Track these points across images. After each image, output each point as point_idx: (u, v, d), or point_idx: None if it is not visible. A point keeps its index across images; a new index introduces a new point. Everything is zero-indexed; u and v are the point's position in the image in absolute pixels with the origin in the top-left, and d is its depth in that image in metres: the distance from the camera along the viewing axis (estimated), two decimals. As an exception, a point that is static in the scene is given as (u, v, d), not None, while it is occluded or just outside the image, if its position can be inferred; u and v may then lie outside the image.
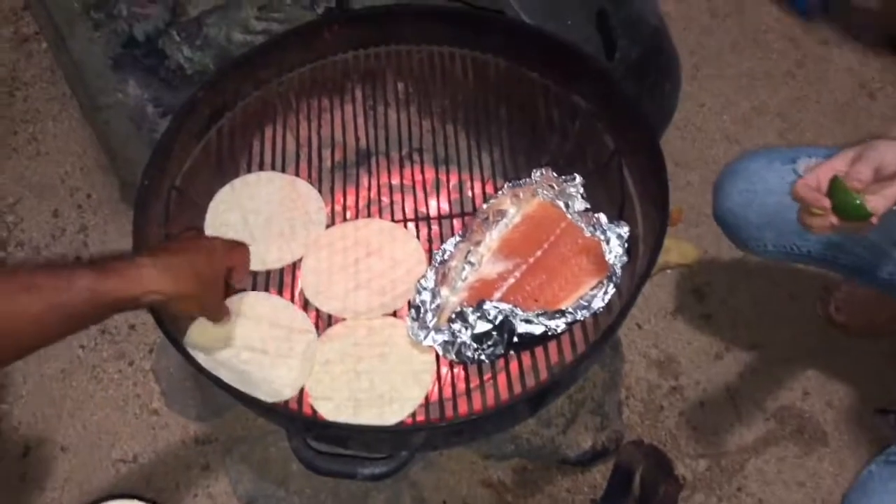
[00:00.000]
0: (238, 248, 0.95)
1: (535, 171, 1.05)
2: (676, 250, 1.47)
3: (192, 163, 1.11)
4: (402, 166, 1.22)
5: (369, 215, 1.14)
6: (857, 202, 0.80)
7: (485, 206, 1.03)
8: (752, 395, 1.34)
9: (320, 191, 1.14)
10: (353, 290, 1.01)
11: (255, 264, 1.01)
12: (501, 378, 0.97)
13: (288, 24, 1.28)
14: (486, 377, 0.97)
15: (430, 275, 0.96)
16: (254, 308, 0.98)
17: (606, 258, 0.96)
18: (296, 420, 0.92)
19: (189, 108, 1.10)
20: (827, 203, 0.82)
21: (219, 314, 0.90)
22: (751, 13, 1.88)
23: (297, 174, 1.16)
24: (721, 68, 1.77)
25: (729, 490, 1.25)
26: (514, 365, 0.96)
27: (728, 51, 1.81)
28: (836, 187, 0.81)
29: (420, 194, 1.16)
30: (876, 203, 0.81)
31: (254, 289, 1.02)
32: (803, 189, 0.84)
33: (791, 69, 1.77)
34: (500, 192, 1.04)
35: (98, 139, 1.51)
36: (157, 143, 1.06)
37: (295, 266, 1.05)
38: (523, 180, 1.05)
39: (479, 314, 0.89)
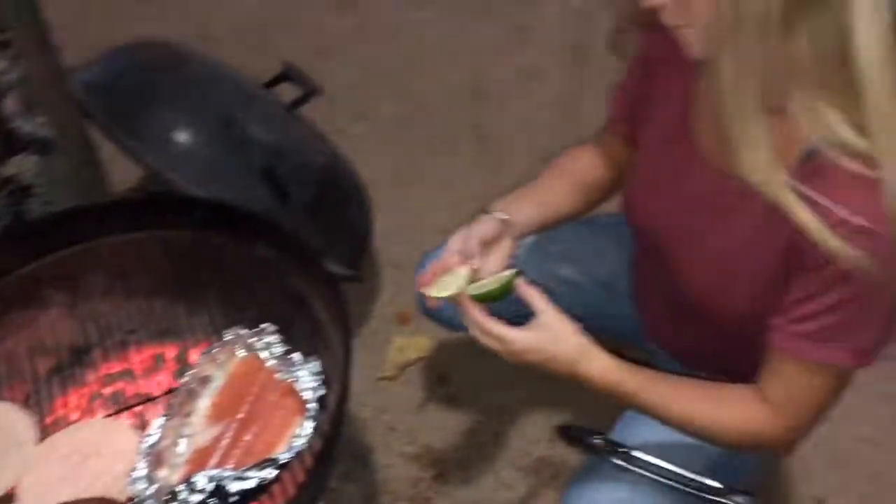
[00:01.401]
0: None
1: (226, 332, 1.13)
2: (411, 346, 1.60)
3: None
4: (119, 353, 1.26)
5: (92, 412, 1.16)
6: (486, 290, 0.95)
7: (186, 377, 1.09)
8: (507, 457, 1.47)
9: (38, 402, 1.15)
10: (76, 497, 1.02)
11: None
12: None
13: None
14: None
15: (142, 462, 1.00)
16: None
17: (303, 396, 1.05)
18: None
19: None
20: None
21: None
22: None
23: (8, 396, 1.16)
24: (421, 169, 1.97)
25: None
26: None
27: (421, 151, 2.01)
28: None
29: (141, 377, 1.21)
30: (494, 265, 0.98)
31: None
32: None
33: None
34: (199, 361, 1.10)
35: None
36: None
37: (12, 496, 1.05)
38: (219, 343, 1.13)
39: (189, 488, 0.95)
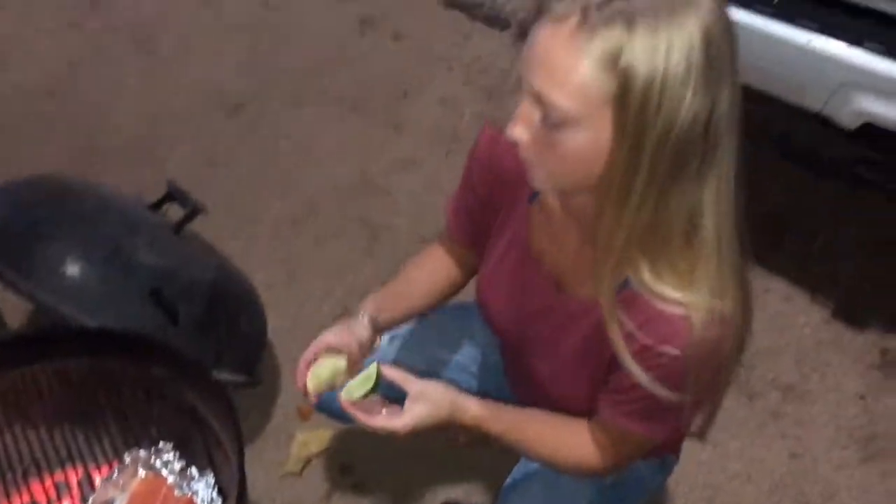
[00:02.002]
0: None
1: (126, 454, 1.20)
2: (313, 440, 1.68)
3: None
4: (22, 485, 1.30)
5: (-1, 548, 1.21)
6: (363, 391, 1.07)
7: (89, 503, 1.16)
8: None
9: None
10: None
11: None
12: None
13: None
14: None
15: None
16: None
17: (200, 508, 1.13)
18: None
19: None
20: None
21: None
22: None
23: None
24: (313, 264, 2.08)
25: None
26: None
27: (312, 247, 2.13)
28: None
29: (45, 504, 1.26)
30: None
31: None
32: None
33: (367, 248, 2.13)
34: (100, 486, 1.17)
35: None
36: None
37: None
38: (120, 467, 1.20)
39: None
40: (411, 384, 1.07)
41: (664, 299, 0.88)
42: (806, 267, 2.03)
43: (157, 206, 1.63)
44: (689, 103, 0.77)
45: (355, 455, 1.67)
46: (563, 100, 0.80)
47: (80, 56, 2.70)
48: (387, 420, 1.06)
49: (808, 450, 1.73)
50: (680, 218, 0.84)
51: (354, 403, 1.07)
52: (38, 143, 2.34)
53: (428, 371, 1.34)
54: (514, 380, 1.30)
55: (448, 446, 1.67)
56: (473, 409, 1.08)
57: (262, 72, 2.68)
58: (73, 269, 1.40)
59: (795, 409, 1.78)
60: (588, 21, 0.77)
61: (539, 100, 0.82)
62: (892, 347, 1.90)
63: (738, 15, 1.65)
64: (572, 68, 0.78)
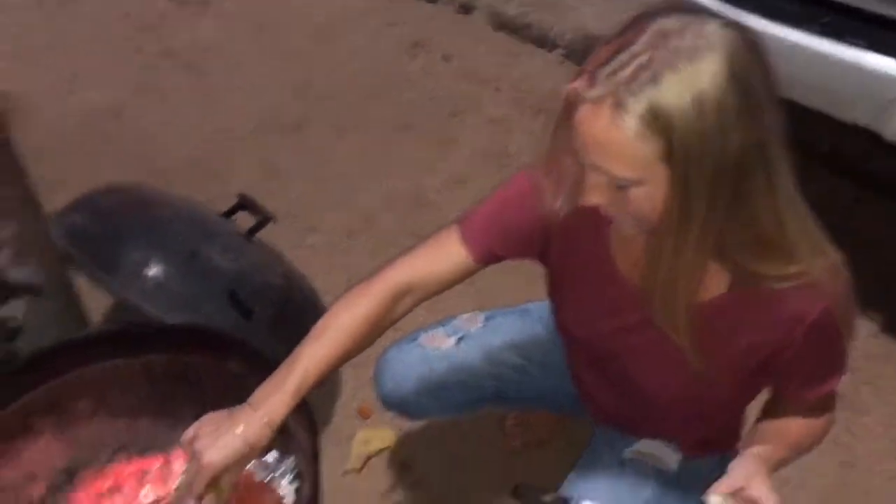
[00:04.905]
0: None
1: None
2: (375, 438, 1.74)
3: None
4: (106, 471, 1.39)
5: (86, 528, 1.28)
6: None
7: (176, 483, 1.22)
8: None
9: (36, 524, 1.27)
10: None
11: None
12: None
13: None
14: None
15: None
16: None
17: (279, 492, 1.19)
18: None
19: None
20: None
21: None
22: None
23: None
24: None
25: None
26: None
27: (368, 257, 2.20)
28: None
29: (129, 490, 1.34)
30: None
31: None
32: None
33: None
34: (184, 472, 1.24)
35: None
36: None
37: None
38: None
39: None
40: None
41: (781, 278, 0.96)
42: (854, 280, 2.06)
43: (228, 214, 1.72)
44: (734, 137, 0.84)
45: (415, 454, 1.73)
46: (620, 170, 0.88)
47: (143, 79, 2.84)
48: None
49: (860, 459, 1.75)
50: (766, 221, 0.92)
51: None
52: (105, 162, 2.46)
53: (492, 373, 1.41)
54: (587, 381, 1.32)
55: (504, 449, 1.73)
56: (756, 451, 1.11)
57: (316, 93, 2.79)
58: (155, 271, 1.49)
59: (847, 417, 1.80)
60: (621, 100, 0.84)
61: (600, 171, 0.90)
62: (944, 361, 1.92)
63: (787, 33, 1.72)
64: (619, 142, 0.86)
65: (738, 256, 0.97)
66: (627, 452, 1.27)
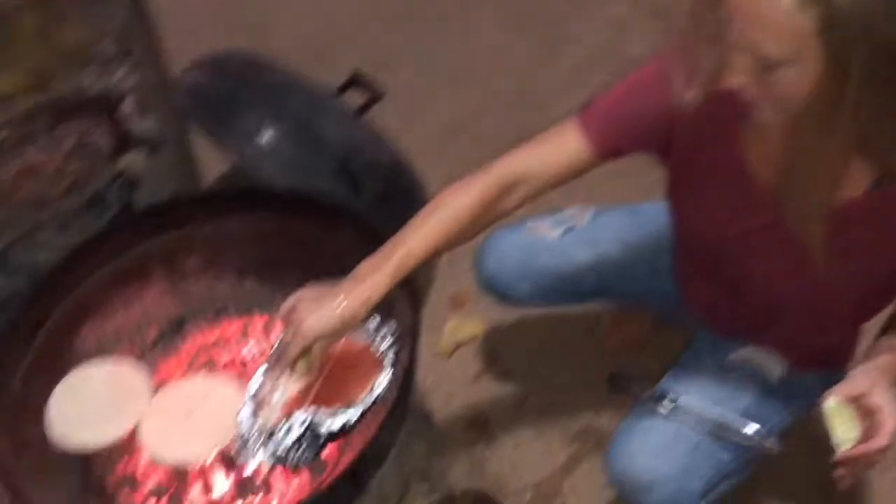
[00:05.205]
0: None
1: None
2: (466, 326, 1.76)
3: (23, 373, 1.28)
4: (212, 325, 1.44)
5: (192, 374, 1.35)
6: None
7: (280, 338, 1.26)
8: (554, 426, 1.62)
9: (146, 365, 1.34)
10: (191, 437, 1.21)
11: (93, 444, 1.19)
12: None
13: (84, 234, 1.47)
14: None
15: (248, 406, 1.18)
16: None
17: (379, 355, 1.22)
18: None
19: (10, 327, 1.27)
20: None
21: None
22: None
23: (122, 357, 1.35)
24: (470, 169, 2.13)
25: (552, 509, 1.52)
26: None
27: (469, 151, 2.17)
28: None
29: (233, 344, 1.40)
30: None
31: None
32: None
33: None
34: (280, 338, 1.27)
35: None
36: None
37: (133, 434, 1.23)
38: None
39: (286, 428, 1.12)
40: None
41: None
42: None
43: (341, 90, 1.72)
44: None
45: (504, 346, 1.74)
46: (771, 46, 0.83)
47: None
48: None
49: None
50: None
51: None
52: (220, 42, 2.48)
53: (595, 268, 1.39)
54: (699, 284, 1.28)
55: (597, 349, 1.71)
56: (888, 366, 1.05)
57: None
58: (269, 136, 1.50)
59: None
60: None
61: (746, 48, 0.85)
62: None
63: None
64: (774, 14, 0.80)
65: (886, 153, 0.90)
66: (732, 356, 1.24)
